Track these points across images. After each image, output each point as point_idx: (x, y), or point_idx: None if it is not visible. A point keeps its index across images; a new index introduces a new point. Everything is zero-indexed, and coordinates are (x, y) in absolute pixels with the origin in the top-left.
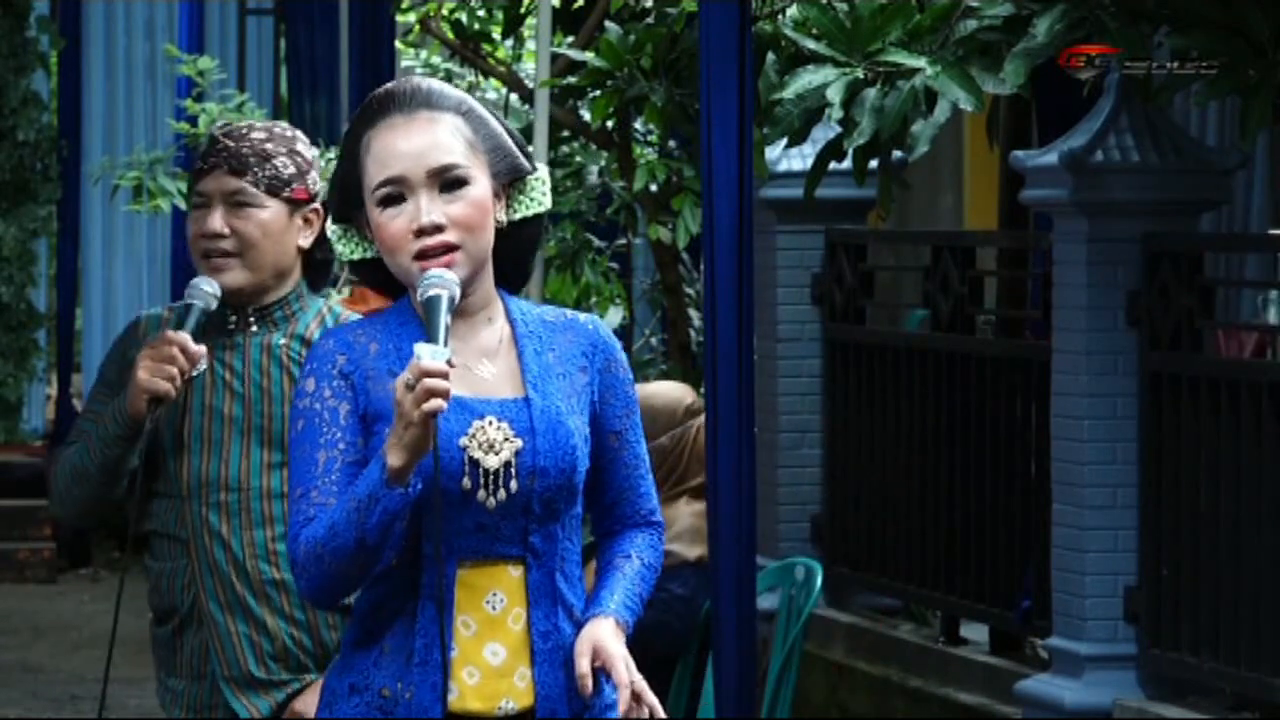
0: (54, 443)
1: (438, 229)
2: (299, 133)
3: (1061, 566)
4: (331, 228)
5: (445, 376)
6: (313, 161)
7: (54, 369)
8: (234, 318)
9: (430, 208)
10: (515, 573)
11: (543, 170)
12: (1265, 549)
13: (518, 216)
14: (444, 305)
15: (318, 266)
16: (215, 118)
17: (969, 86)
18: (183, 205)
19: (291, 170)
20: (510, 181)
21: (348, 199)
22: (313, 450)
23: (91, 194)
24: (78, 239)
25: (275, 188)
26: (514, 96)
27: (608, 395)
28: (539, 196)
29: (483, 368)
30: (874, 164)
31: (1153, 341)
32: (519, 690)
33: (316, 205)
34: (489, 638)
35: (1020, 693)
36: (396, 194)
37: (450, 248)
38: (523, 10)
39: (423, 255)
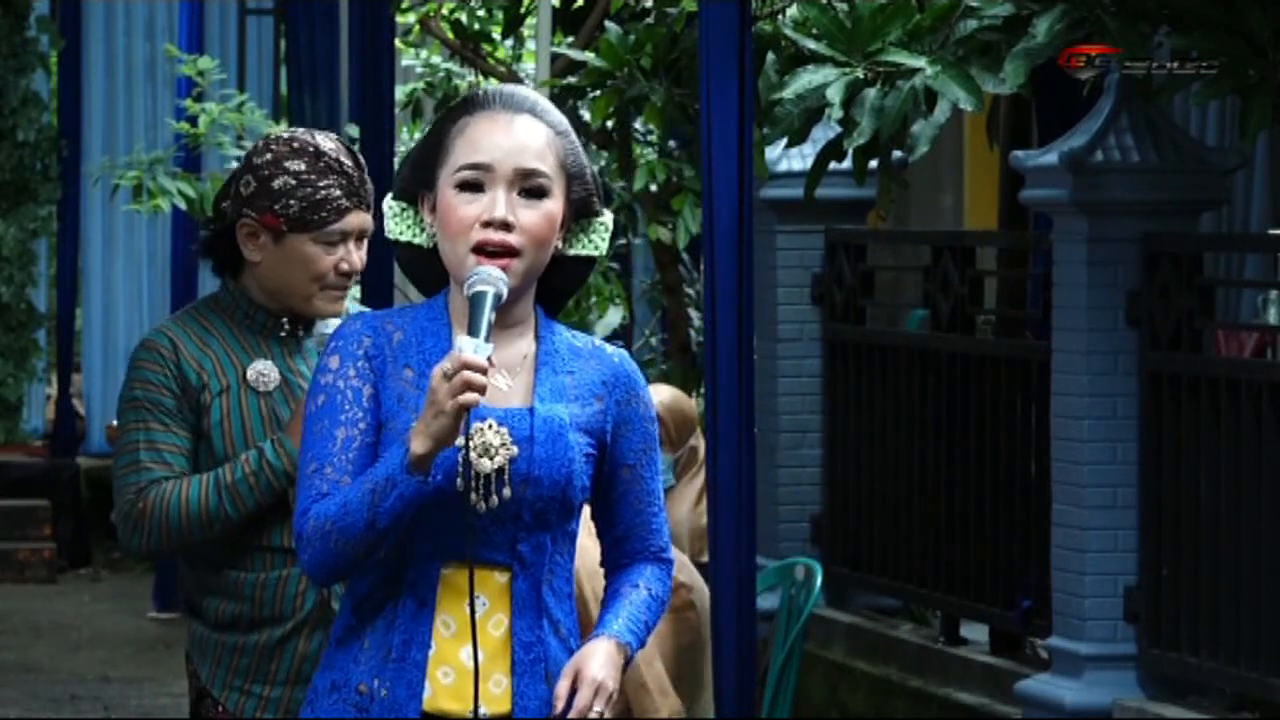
0: (54, 443)
1: (506, 226)
2: None
3: (1061, 566)
4: (389, 204)
5: (484, 372)
6: None
7: (54, 369)
8: (287, 324)
9: (506, 205)
10: (501, 579)
11: (607, 218)
12: (1265, 549)
13: (570, 252)
14: (489, 302)
15: None
16: (215, 118)
17: (969, 86)
18: (182, 205)
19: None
20: (577, 216)
21: (419, 177)
22: (332, 427)
23: (91, 194)
24: (78, 239)
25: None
26: None
27: (624, 428)
28: (597, 240)
29: (500, 379)
30: (874, 164)
31: (1153, 341)
32: (494, 696)
33: None
34: (467, 640)
35: (1020, 693)
36: (476, 181)
37: (511, 252)
38: (523, 10)
39: (481, 249)
